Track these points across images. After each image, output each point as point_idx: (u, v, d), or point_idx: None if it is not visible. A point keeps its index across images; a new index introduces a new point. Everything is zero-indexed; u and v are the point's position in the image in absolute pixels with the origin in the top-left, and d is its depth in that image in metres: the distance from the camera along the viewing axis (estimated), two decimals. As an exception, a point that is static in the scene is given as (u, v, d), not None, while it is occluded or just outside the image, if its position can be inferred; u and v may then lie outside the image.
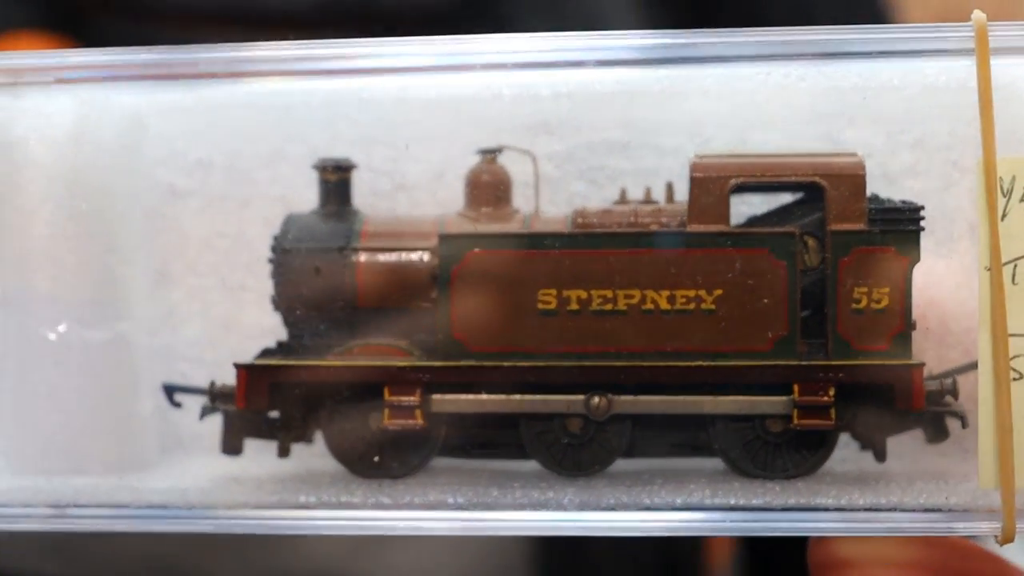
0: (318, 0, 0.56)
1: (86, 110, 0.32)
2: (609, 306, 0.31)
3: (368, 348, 0.32)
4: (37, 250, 0.32)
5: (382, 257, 0.33)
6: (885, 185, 0.33)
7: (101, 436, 0.33)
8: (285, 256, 0.33)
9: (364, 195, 0.34)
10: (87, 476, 0.32)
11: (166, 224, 0.35)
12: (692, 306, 0.31)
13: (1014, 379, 0.28)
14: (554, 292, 0.31)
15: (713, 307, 0.31)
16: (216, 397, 0.33)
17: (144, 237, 0.34)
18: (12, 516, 0.31)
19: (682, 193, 0.33)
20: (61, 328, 0.32)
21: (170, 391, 0.34)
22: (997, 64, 0.29)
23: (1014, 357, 0.28)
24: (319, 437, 0.34)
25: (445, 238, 0.32)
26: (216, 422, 0.34)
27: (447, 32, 0.54)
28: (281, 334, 0.35)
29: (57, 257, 0.32)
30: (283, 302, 0.33)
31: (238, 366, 0.32)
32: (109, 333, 0.33)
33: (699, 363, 0.31)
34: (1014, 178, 0.28)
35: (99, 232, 0.32)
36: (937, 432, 0.32)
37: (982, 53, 0.28)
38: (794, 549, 0.70)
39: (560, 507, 0.30)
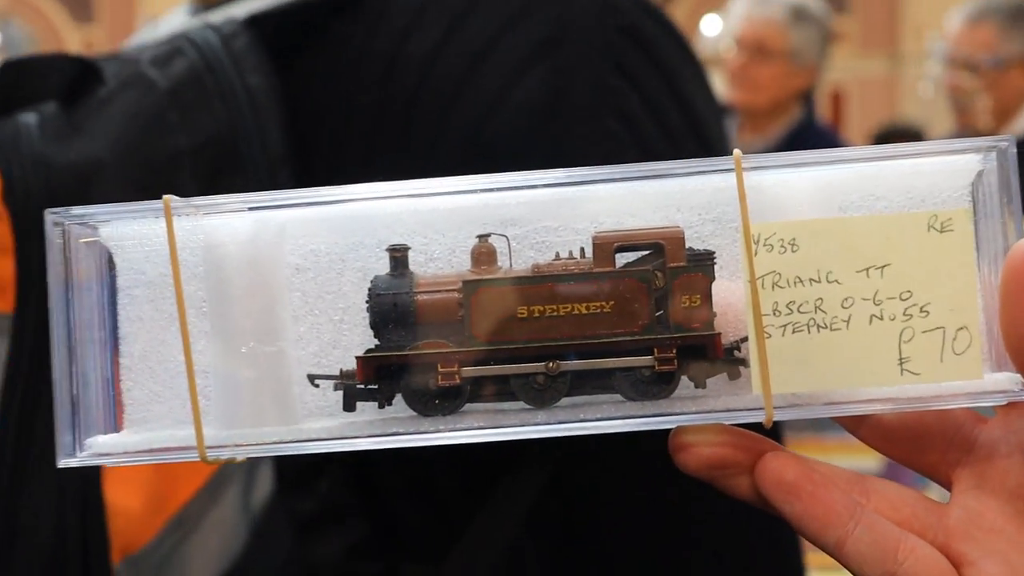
0: None
1: (257, 224, 0.46)
2: (554, 313, 0.45)
3: (427, 344, 0.45)
4: (234, 303, 0.46)
5: (430, 296, 0.45)
6: (699, 241, 0.47)
7: (273, 406, 0.46)
8: (377, 299, 0.45)
9: (413, 264, 0.47)
10: (266, 428, 0.46)
11: (296, 287, 0.47)
12: (598, 310, 0.44)
13: (767, 337, 0.43)
14: (526, 307, 0.44)
15: (609, 310, 0.45)
16: (344, 377, 0.46)
17: (286, 294, 0.47)
18: (228, 449, 0.46)
19: (589, 253, 0.47)
20: (249, 345, 0.46)
21: (311, 378, 0.47)
22: (748, 175, 0.44)
23: (765, 327, 0.44)
24: (399, 399, 0.47)
25: (466, 283, 0.45)
26: (333, 396, 0.48)
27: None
28: (365, 346, 0.47)
29: (245, 305, 0.45)
30: (377, 325, 0.46)
31: (358, 357, 0.45)
32: (275, 348, 0.46)
33: (603, 341, 0.45)
34: (760, 234, 0.43)
35: (265, 292, 0.45)
36: (733, 373, 0.46)
37: (738, 171, 0.43)
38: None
39: (536, 423, 0.45)
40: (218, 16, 0.94)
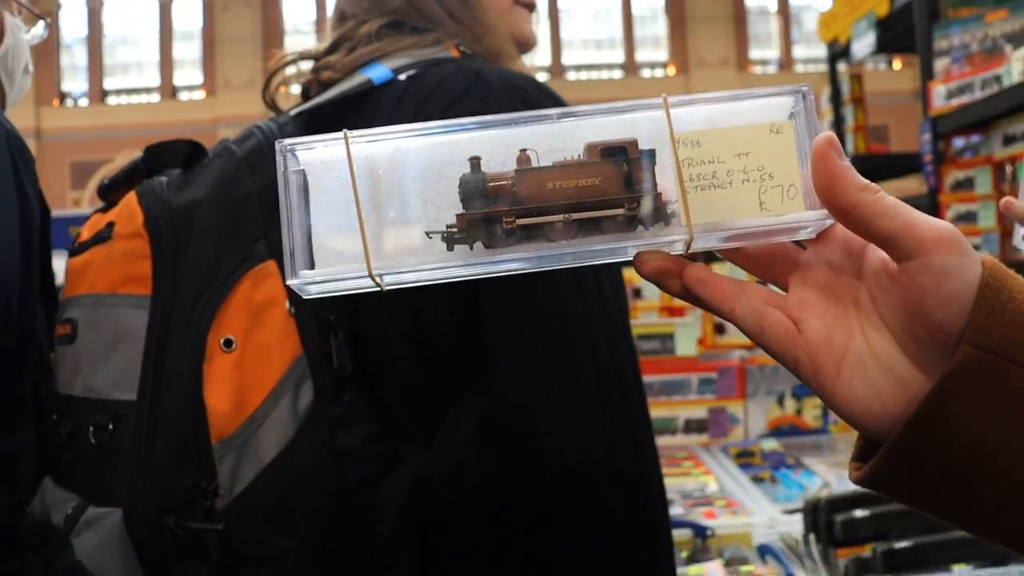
0: None
1: (395, 149, 0.53)
2: (568, 186, 0.52)
3: (496, 207, 0.52)
4: (381, 192, 0.53)
5: (496, 183, 0.53)
6: (646, 145, 0.53)
7: (406, 249, 0.53)
8: (465, 184, 0.52)
9: (484, 168, 0.54)
10: (403, 259, 0.54)
11: (414, 187, 0.54)
12: (592, 183, 0.51)
13: (687, 193, 0.56)
14: (551, 183, 0.52)
15: (598, 183, 0.51)
16: (448, 229, 0.53)
17: (411, 187, 0.55)
18: (384, 271, 0.52)
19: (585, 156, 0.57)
20: (391, 216, 0.52)
21: (428, 234, 0.53)
22: (672, 110, 0.52)
23: (686, 188, 0.54)
24: (478, 244, 0.53)
25: (517, 171, 0.52)
26: (439, 245, 0.54)
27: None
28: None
29: (387, 194, 0.52)
30: (465, 199, 0.53)
31: (458, 215, 0.52)
32: (405, 217, 0.53)
33: (595, 200, 0.51)
34: (679, 138, 0.50)
35: (399, 187, 0.53)
36: (668, 220, 0.53)
37: (666, 107, 0.50)
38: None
39: (560, 252, 0.52)
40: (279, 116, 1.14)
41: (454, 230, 0.57)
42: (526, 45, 1.24)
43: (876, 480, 0.52)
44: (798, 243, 0.58)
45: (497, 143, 0.58)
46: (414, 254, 0.57)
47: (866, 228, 0.52)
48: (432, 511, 0.95)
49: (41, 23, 1.24)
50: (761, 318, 0.56)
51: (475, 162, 0.57)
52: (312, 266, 0.57)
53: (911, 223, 0.50)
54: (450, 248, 0.57)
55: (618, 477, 0.95)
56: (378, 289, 0.57)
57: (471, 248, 0.57)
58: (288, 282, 0.56)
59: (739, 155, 0.56)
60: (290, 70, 1.21)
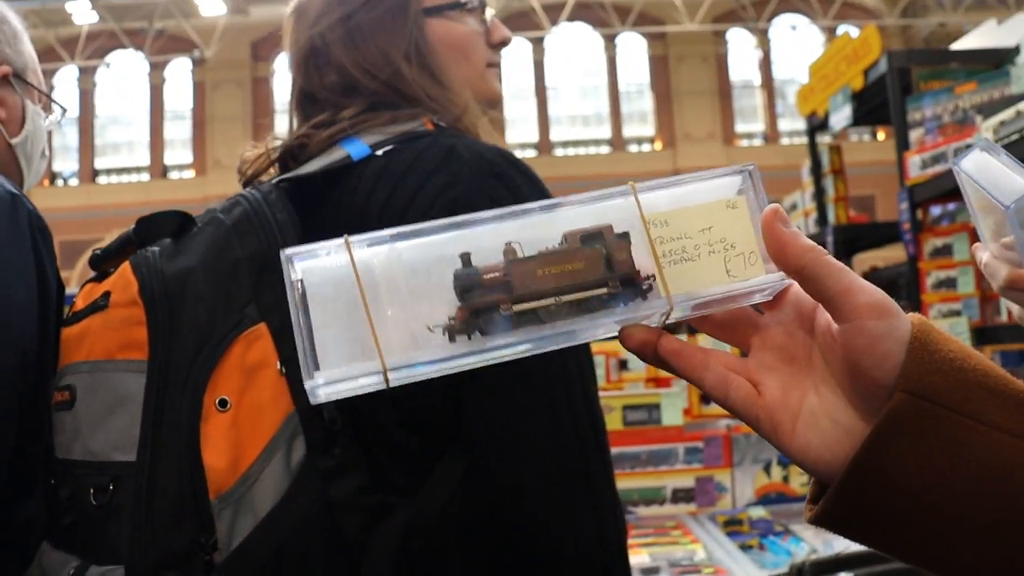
0: None
1: (390, 250, 0.53)
2: (554, 272, 0.52)
3: (493, 297, 0.52)
4: (381, 291, 0.52)
5: (489, 275, 0.53)
6: (621, 228, 0.54)
7: (410, 344, 0.53)
8: (459, 279, 0.53)
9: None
10: (407, 354, 0.53)
11: (408, 284, 0.54)
12: (576, 268, 0.52)
13: (662, 268, 0.56)
14: (540, 270, 0.52)
15: (581, 267, 0.51)
16: (449, 322, 0.53)
17: (403, 285, 0.54)
18: (394, 368, 0.54)
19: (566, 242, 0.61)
20: (389, 313, 0.53)
21: (429, 328, 0.53)
22: (640, 194, 0.54)
23: (660, 263, 0.56)
24: (476, 334, 0.53)
25: (507, 261, 0.52)
26: (439, 338, 0.53)
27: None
28: (448, 314, 0.53)
29: (387, 292, 0.52)
30: (462, 293, 0.53)
31: (459, 307, 0.52)
32: (404, 313, 0.53)
33: (579, 283, 0.52)
34: (650, 219, 0.52)
35: (394, 285, 0.53)
36: (646, 294, 0.54)
37: (634, 191, 0.52)
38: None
39: (553, 334, 0.53)
40: (263, 184, 1.17)
41: (454, 322, 0.57)
42: (497, 101, 1.31)
43: (826, 519, 0.56)
44: (756, 308, 0.61)
45: (482, 238, 0.60)
46: (417, 348, 0.58)
47: (815, 286, 0.55)
48: (421, 559, 0.98)
49: (58, 110, 1.32)
50: (727, 387, 0.59)
51: (465, 257, 0.58)
52: (318, 367, 0.57)
53: (849, 288, 0.54)
54: (452, 339, 0.57)
55: (576, 537, 0.98)
56: (384, 388, 0.57)
57: (470, 338, 0.58)
58: (305, 384, 0.56)
59: (703, 230, 0.60)
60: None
